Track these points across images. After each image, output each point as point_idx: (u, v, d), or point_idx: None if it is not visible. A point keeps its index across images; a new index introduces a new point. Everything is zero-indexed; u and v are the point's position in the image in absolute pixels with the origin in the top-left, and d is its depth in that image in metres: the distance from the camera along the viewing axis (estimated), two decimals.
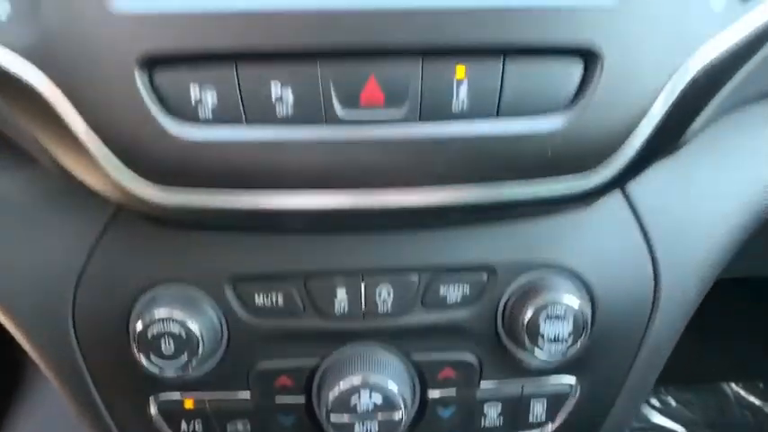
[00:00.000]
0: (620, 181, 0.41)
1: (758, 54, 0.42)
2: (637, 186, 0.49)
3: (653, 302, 0.51)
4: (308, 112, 0.36)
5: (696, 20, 0.38)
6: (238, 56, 0.36)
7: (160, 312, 0.45)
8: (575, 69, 0.37)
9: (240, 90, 0.36)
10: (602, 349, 0.51)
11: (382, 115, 0.37)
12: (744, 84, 0.43)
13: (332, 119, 0.37)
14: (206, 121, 0.37)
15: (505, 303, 0.48)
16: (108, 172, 0.38)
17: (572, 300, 0.46)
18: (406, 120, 0.37)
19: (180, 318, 0.45)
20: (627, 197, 0.49)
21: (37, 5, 0.36)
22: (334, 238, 0.46)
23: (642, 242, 0.50)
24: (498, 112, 0.37)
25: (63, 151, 0.40)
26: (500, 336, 0.49)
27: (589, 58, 0.37)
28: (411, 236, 0.46)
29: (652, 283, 0.51)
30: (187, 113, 0.36)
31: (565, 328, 0.46)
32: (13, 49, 0.36)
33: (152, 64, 0.36)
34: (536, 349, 0.47)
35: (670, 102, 0.39)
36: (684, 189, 0.50)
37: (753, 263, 0.62)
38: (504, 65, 0.36)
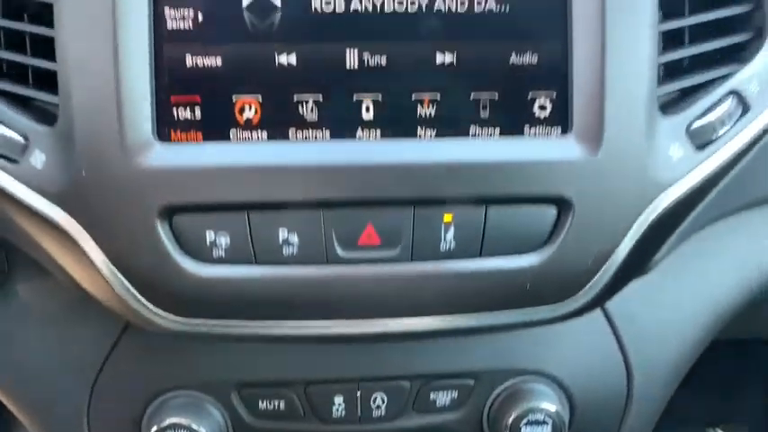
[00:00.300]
0: (593, 306, 0.45)
1: (714, 189, 0.47)
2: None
3: (626, 401, 0.55)
4: (312, 253, 0.41)
5: (657, 169, 0.43)
6: (249, 206, 0.40)
7: (171, 418, 0.49)
8: (548, 214, 0.42)
9: (251, 234, 0.40)
10: None
11: (378, 255, 0.41)
12: (702, 213, 0.48)
13: (333, 259, 0.41)
14: (219, 261, 0.41)
15: (490, 407, 0.51)
16: (126, 300, 0.42)
17: (551, 406, 0.50)
18: (399, 259, 0.41)
19: (190, 423, 0.49)
20: (602, 307, 0.53)
21: (69, 158, 0.40)
22: (332, 349, 0.50)
23: (616, 347, 0.54)
24: (481, 252, 0.42)
25: (84, 279, 0.44)
26: None
27: (561, 204, 0.42)
28: (403, 347, 0.50)
29: (625, 383, 0.55)
30: (202, 253, 0.41)
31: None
32: (46, 195, 0.41)
33: (172, 212, 0.40)
34: None
35: (635, 239, 0.43)
36: (653, 297, 0.54)
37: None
38: (486, 212, 0.41)
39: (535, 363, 0.50)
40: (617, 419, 0.54)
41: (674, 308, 0.55)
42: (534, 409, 0.48)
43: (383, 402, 0.50)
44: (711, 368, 0.62)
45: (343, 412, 0.50)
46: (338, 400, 0.50)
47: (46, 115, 0.42)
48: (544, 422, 0.49)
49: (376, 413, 0.50)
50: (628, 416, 0.54)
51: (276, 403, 0.50)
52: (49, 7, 0.41)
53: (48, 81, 0.42)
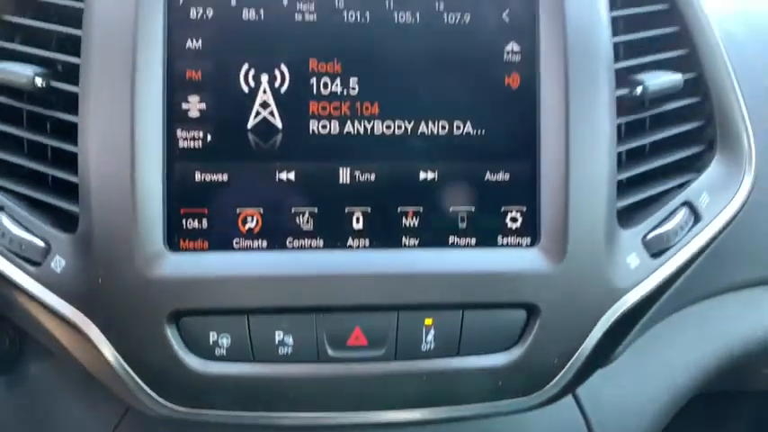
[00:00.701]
0: (560, 397, 0.49)
1: (668, 291, 0.51)
2: None
3: None
4: (305, 352, 0.45)
5: (616, 277, 0.48)
6: (249, 310, 0.44)
7: None
8: (518, 317, 0.47)
9: (250, 336, 0.45)
10: None
11: (365, 355, 0.45)
12: (658, 311, 0.52)
13: (324, 358, 0.45)
14: (221, 358, 0.45)
15: None
16: (133, 391, 0.46)
17: None
18: (384, 359, 0.45)
19: None
20: None
21: (87, 264, 0.44)
22: None
23: (584, 426, 0.58)
24: (458, 352, 0.46)
25: (95, 370, 0.47)
26: None
27: (530, 309, 0.47)
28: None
29: None
30: (206, 352, 0.45)
31: None
32: (64, 297, 0.45)
33: (179, 315, 0.44)
34: None
35: (597, 338, 0.48)
36: (617, 378, 0.59)
37: None
38: (462, 316, 0.46)
39: None
40: None
41: (637, 388, 0.59)
42: None
43: None
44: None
45: None
46: None
47: (66, 219, 0.46)
48: None
49: None
50: None
51: None
52: (74, 126, 0.46)
53: (69, 189, 0.47)
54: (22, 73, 0.45)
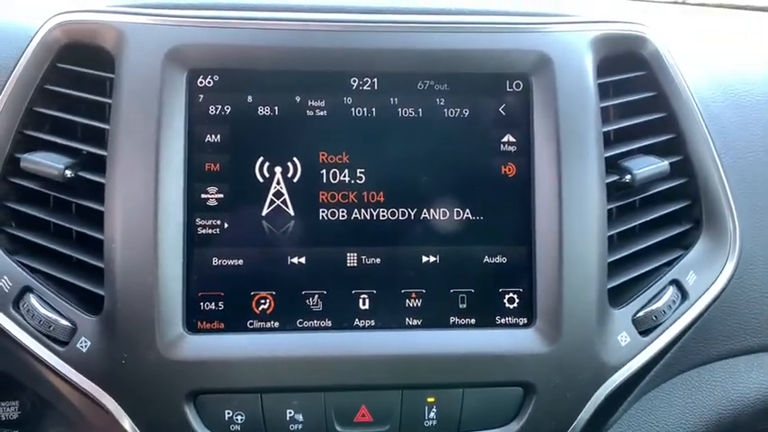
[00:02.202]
0: None
1: (658, 365, 0.54)
2: None
3: None
4: (314, 429, 0.48)
5: (608, 355, 0.50)
6: (262, 390, 0.47)
7: None
8: (515, 394, 0.49)
9: (263, 414, 0.47)
10: None
11: (370, 431, 0.48)
12: (648, 383, 0.55)
13: None
14: None
15: None
16: None
17: None
18: None
19: None
20: None
21: (112, 345, 0.47)
22: None
23: None
24: (459, 428, 0.49)
25: None
26: None
27: (526, 387, 0.49)
28: None
29: None
30: (221, 428, 0.48)
31: None
32: (89, 376, 0.48)
33: (196, 394, 0.47)
34: None
35: (591, 412, 0.50)
36: None
37: None
38: (463, 394, 0.48)
39: None
40: None
41: None
42: None
43: None
44: None
45: None
46: None
47: (90, 298, 0.49)
48: None
49: None
50: None
51: None
52: (100, 213, 0.49)
53: (94, 271, 0.50)
54: (54, 165, 0.49)
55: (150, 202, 0.47)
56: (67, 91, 0.52)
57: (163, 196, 0.47)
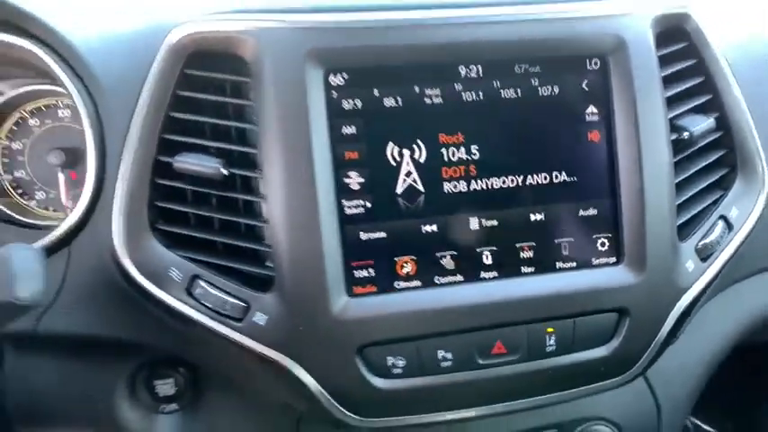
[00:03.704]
0: (642, 373, 0.64)
1: (714, 283, 0.66)
2: None
3: (658, 424, 0.75)
4: (461, 364, 0.58)
5: (680, 280, 0.63)
6: (417, 337, 0.57)
7: None
8: (612, 318, 0.61)
9: (419, 357, 0.57)
10: None
11: (505, 360, 0.59)
12: (707, 297, 0.68)
13: (475, 366, 0.59)
14: (397, 376, 0.57)
15: None
16: (328, 410, 0.58)
17: None
18: (519, 361, 0.59)
19: None
20: None
21: (286, 316, 0.55)
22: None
23: (647, 390, 0.73)
24: (572, 349, 0.60)
25: (292, 396, 0.58)
26: None
27: (620, 311, 0.61)
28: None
29: (656, 413, 0.74)
30: (385, 372, 0.57)
31: None
32: (270, 345, 0.56)
33: (363, 347, 0.56)
34: None
35: (670, 326, 0.63)
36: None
37: None
38: (574, 323, 0.59)
39: (599, 412, 0.69)
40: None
41: (685, 354, 0.74)
42: None
43: None
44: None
45: None
46: None
47: (257, 281, 0.57)
48: None
49: None
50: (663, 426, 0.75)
51: None
52: (251, 203, 0.56)
53: (257, 257, 0.57)
54: (212, 164, 0.55)
55: (310, 189, 0.54)
56: (204, 96, 0.57)
57: (319, 183, 0.54)
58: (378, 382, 0.57)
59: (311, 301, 0.55)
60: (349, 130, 0.57)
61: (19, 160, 0.73)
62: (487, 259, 0.59)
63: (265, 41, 0.55)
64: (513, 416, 0.65)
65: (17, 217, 0.72)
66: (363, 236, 0.57)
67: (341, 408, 0.57)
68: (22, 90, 0.72)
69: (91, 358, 0.68)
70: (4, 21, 0.60)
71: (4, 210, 0.72)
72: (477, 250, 0.59)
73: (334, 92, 0.56)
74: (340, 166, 0.56)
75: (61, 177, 0.72)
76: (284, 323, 0.55)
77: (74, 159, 0.70)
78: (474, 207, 0.59)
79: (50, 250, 0.61)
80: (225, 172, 0.56)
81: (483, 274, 0.59)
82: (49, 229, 0.62)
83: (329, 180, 0.55)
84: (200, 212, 0.57)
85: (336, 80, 0.56)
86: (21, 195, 0.74)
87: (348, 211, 0.57)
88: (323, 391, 0.57)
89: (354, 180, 0.57)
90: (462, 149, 0.59)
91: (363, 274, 0.57)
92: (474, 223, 0.59)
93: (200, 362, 0.64)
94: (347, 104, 0.57)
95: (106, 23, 0.62)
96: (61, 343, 0.65)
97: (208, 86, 0.58)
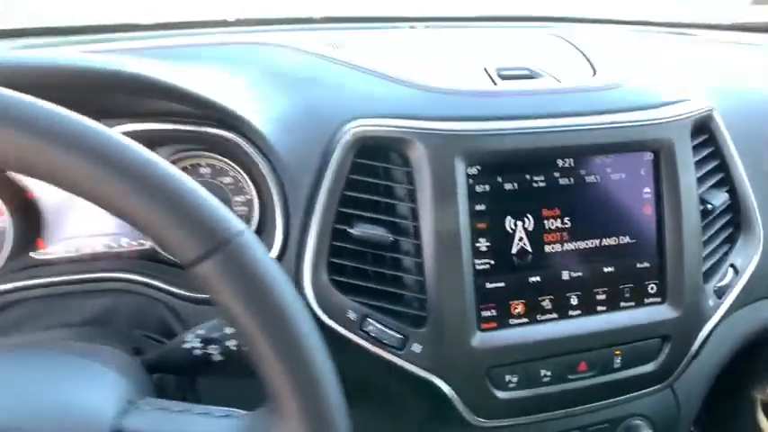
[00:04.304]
0: (677, 378, 0.86)
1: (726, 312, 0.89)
2: None
3: (677, 411, 0.97)
4: (556, 378, 0.79)
5: (705, 313, 0.85)
6: (527, 360, 0.76)
7: None
8: (658, 343, 0.83)
9: (528, 374, 0.76)
10: None
11: (586, 375, 0.80)
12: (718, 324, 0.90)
13: (566, 379, 0.79)
14: (512, 389, 0.77)
15: None
16: (462, 415, 0.76)
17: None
18: (595, 375, 0.80)
19: None
20: None
21: (436, 347, 0.73)
22: None
23: (670, 389, 0.96)
24: (632, 366, 0.81)
25: (431, 405, 0.76)
26: None
27: (664, 338, 0.83)
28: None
29: (675, 406, 0.97)
30: (505, 386, 0.77)
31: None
32: (422, 367, 0.74)
33: (490, 368, 0.75)
34: None
35: (697, 345, 0.85)
36: None
37: None
38: (632, 347, 0.81)
39: (636, 410, 0.92)
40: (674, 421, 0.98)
41: (700, 362, 0.94)
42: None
43: None
44: None
45: None
46: None
47: (411, 319, 0.75)
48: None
49: None
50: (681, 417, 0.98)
51: None
52: (412, 262, 0.74)
53: (414, 301, 0.75)
54: (382, 234, 0.73)
55: (458, 253, 0.73)
56: (371, 180, 0.74)
57: (463, 248, 0.73)
58: (498, 393, 0.77)
59: (455, 334, 0.74)
60: (480, 207, 0.76)
61: None
62: (574, 301, 0.80)
63: (425, 142, 0.73)
64: (583, 415, 0.87)
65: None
66: (489, 285, 0.77)
67: (470, 412, 0.77)
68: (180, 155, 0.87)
69: None
70: (217, 119, 0.76)
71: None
72: (567, 295, 0.80)
73: (470, 179, 0.75)
74: (473, 234, 0.76)
75: None
76: (434, 351, 0.74)
77: None
78: (565, 262, 0.80)
79: None
80: (391, 238, 0.74)
81: (571, 313, 0.80)
82: None
83: (468, 245, 0.75)
84: (370, 268, 0.74)
85: (472, 171, 0.75)
86: None
87: (478, 267, 0.76)
88: (459, 399, 0.76)
89: (483, 244, 0.76)
90: (558, 220, 0.79)
91: (488, 314, 0.77)
92: (565, 275, 0.80)
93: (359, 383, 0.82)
94: (479, 188, 0.76)
95: (287, 118, 0.79)
96: None
97: (374, 172, 0.75)
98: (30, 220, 0.85)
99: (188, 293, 0.79)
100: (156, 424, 0.47)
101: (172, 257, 0.83)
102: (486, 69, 0.87)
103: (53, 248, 0.86)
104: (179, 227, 0.42)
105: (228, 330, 0.63)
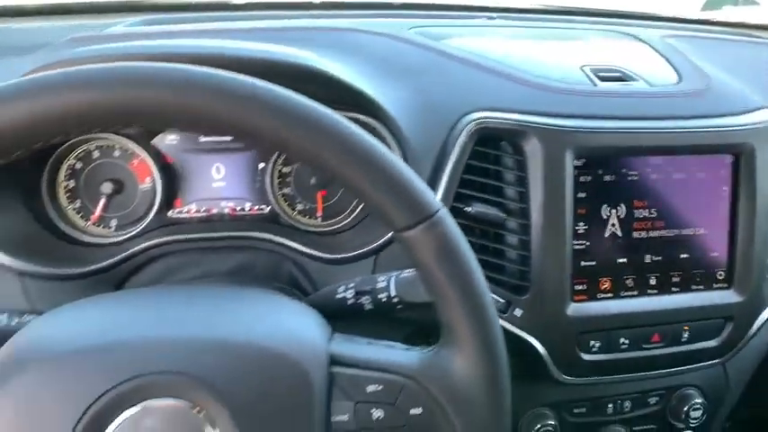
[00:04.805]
0: (735, 354, 0.97)
1: None
2: None
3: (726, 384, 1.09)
4: (633, 345, 0.90)
5: (765, 296, 0.95)
6: (611, 329, 0.87)
7: None
8: (722, 323, 0.94)
9: (610, 340, 0.88)
10: None
11: (658, 345, 0.91)
12: None
13: (640, 348, 0.90)
14: (595, 352, 0.88)
15: (670, 405, 1.04)
16: (550, 371, 0.89)
17: (700, 399, 1.03)
18: (666, 346, 0.92)
19: None
20: None
21: (536, 312, 0.85)
22: None
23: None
24: (700, 340, 0.92)
25: (528, 362, 0.88)
26: None
27: (727, 318, 0.94)
28: None
29: (724, 377, 1.08)
30: (590, 349, 0.88)
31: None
32: (523, 329, 0.85)
33: (578, 334, 0.86)
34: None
35: (757, 327, 0.96)
36: None
37: None
38: (701, 324, 0.91)
39: (690, 380, 1.04)
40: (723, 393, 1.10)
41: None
42: (695, 403, 1.01)
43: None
44: None
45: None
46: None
47: (514, 287, 0.86)
48: (699, 408, 1.03)
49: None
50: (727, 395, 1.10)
51: None
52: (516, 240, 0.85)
53: (517, 273, 0.86)
54: (497, 213, 0.83)
55: (561, 234, 0.85)
56: (489, 166, 0.84)
57: (567, 229, 0.84)
58: (584, 355, 0.90)
59: (553, 303, 0.87)
60: (581, 195, 0.87)
61: (287, 181, 1.00)
62: (653, 281, 0.92)
63: (539, 136, 0.84)
64: (647, 380, 1.00)
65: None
66: (583, 263, 0.89)
67: (558, 369, 0.90)
68: None
69: None
70: (354, 104, 0.86)
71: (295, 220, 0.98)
72: (647, 275, 0.92)
73: (576, 170, 0.86)
74: (575, 218, 0.87)
75: (319, 195, 0.99)
76: (534, 316, 0.87)
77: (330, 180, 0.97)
78: (648, 247, 0.92)
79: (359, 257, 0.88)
80: (504, 217, 0.84)
81: (649, 291, 0.92)
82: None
83: (570, 227, 0.86)
84: (482, 242, 0.85)
85: (578, 163, 0.87)
86: (288, 206, 1.00)
87: (576, 247, 0.88)
88: (550, 358, 0.89)
89: (581, 227, 0.88)
90: (646, 210, 0.90)
91: (580, 287, 0.89)
92: (647, 258, 0.92)
93: None
94: (582, 179, 0.87)
95: (409, 106, 0.89)
96: None
97: (489, 158, 0.86)
98: (170, 182, 0.96)
99: (317, 253, 0.91)
100: (357, 351, 0.59)
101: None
102: (582, 69, 0.97)
103: (187, 207, 0.98)
104: (397, 198, 0.54)
105: (380, 285, 0.74)
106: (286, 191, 0.99)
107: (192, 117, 0.49)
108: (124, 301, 0.62)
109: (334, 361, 0.57)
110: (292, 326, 0.59)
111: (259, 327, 0.58)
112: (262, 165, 0.97)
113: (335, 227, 0.98)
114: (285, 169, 0.98)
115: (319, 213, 0.98)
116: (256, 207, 0.97)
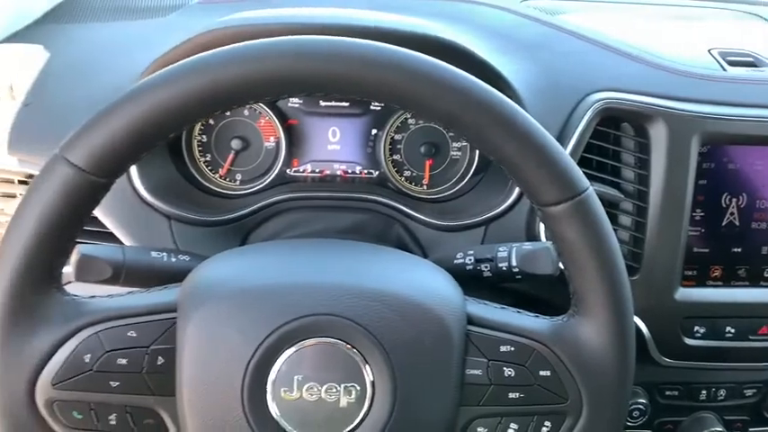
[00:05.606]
0: None
1: None
2: None
3: None
4: (738, 336, 0.90)
5: None
6: (716, 317, 0.88)
7: None
8: None
9: (714, 329, 0.88)
10: None
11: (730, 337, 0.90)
12: None
13: (746, 339, 0.90)
14: (697, 339, 0.89)
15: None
16: (650, 353, 0.90)
17: None
18: (734, 339, 0.91)
19: None
20: None
21: (647, 292, 0.85)
22: None
23: None
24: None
25: None
26: None
27: None
28: None
29: None
30: (691, 335, 0.89)
31: None
32: None
33: (684, 317, 0.87)
34: None
35: None
36: None
37: None
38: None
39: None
40: None
41: None
42: None
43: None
44: None
45: None
46: None
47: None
48: None
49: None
50: None
51: None
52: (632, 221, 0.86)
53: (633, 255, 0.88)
54: (615, 194, 0.85)
55: (678, 219, 0.85)
56: (609, 146, 0.85)
57: (685, 214, 0.85)
58: (686, 339, 0.91)
59: (662, 286, 0.88)
60: (702, 182, 0.87)
61: (397, 147, 1.03)
62: (741, 273, 0.91)
63: (666, 120, 0.84)
64: (746, 371, 0.98)
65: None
66: (695, 250, 0.89)
67: (658, 351, 0.91)
68: None
69: None
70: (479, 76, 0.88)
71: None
72: (762, 267, 0.91)
73: (699, 156, 0.85)
74: (693, 205, 0.87)
75: (427, 164, 1.02)
76: (641, 297, 0.87)
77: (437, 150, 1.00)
78: (766, 239, 0.90)
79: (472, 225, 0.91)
80: (622, 198, 0.86)
81: (762, 283, 0.91)
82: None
83: (688, 213, 0.86)
84: None
85: (703, 149, 0.86)
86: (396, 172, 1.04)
87: (690, 233, 0.88)
88: (652, 340, 0.90)
89: (698, 214, 0.88)
90: (767, 203, 0.88)
91: (690, 273, 0.90)
92: (764, 250, 0.91)
93: None
94: (705, 165, 0.87)
95: (532, 82, 0.91)
96: None
97: (610, 138, 0.87)
98: (290, 141, 1.02)
99: (428, 219, 0.95)
100: (491, 314, 0.63)
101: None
102: (710, 53, 0.95)
103: (303, 167, 1.04)
104: (549, 175, 0.57)
105: (500, 254, 0.78)
106: (396, 157, 1.02)
107: (388, 91, 0.54)
108: (287, 248, 0.69)
109: (471, 321, 0.62)
110: (435, 284, 0.64)
111: (407, 280, 0.62)
112: (375, 131, 1.02)
113: (439, 195, 1.02)
114: (397, 136, 1.02)
115: (425, 181, 1.02)
116: (366, 171, 1.02)
